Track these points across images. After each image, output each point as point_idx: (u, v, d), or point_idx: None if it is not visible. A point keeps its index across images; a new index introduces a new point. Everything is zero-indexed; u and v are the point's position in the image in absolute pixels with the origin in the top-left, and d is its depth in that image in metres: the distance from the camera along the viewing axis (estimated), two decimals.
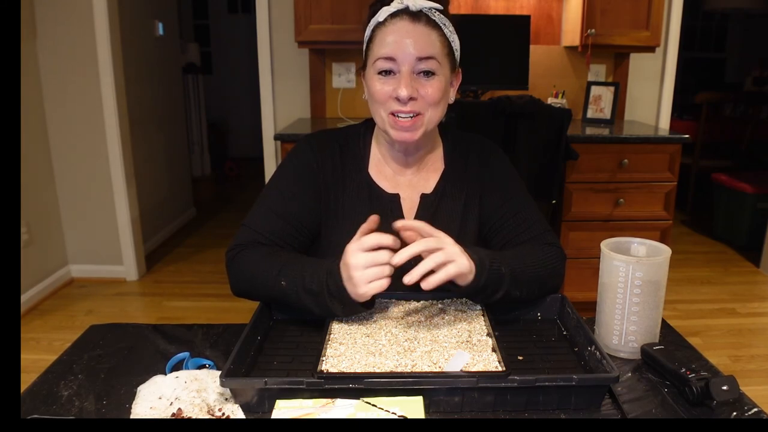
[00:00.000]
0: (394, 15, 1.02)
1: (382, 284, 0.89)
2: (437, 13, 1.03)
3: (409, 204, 1.13)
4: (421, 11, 1.02)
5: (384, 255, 0.88)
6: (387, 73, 1.03)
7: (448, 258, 0.88)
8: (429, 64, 1.01)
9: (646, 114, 3.18)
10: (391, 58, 1.01)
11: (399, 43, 1.00)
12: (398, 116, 1.03)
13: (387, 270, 0.89)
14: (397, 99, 1.01)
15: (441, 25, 1.03)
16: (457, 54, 1.08)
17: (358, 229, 0.93)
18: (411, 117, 1.03)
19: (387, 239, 0.89)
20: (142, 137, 3.48)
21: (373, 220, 0.93)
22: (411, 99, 1.01)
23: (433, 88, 1.02)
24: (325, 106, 3.06)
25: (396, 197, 1.13)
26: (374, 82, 1.04)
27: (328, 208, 1.12)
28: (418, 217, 1.13)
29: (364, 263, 0.88)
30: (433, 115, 1.05)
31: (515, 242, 1.10)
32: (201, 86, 5.13)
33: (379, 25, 1.03)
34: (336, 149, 1.14)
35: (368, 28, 1.06)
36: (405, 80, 1.00)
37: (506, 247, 1.11)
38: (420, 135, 1.05)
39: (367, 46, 1.07)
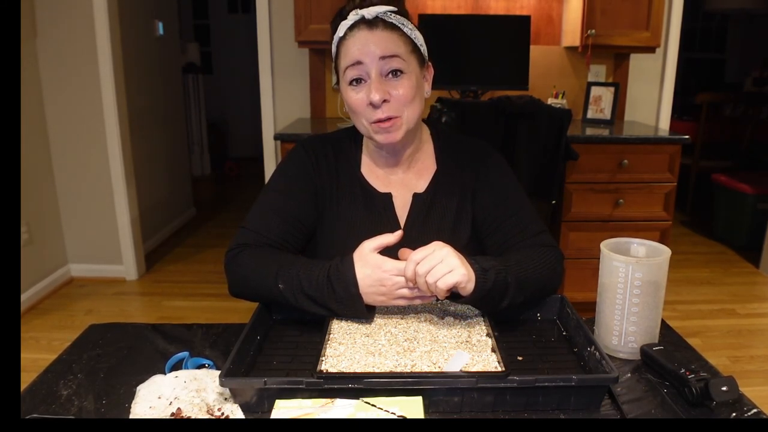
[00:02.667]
0: (352, 27, 1.05)
1: (406, 303, 0.96)
2: (392, 15, 1.06)
3: (402, 203, 1.15)
4: (376, 17, 1.05)
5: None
6: (358, 81, 1.05)
7: (446, 269, 0.89)
8: (394, 62, 1.03)
9: (646, 114, 3.18)
10: (357, 63, 1.03)
11: (360, 49, 1.03)
12: (378, 119, 1.05)
13: (415, 292, 0.94)
14: (371, 105, 1.03)
15: (399, 25, 1.06)
16: (423, 49, 1.11)
17: (375, 237, 0.96)
18: (389, 118, 1.05)
19: (407, 271, 0.91)
20: (142, 137, 3.47)
21: (398, 235, 0.97)
22: (384, 101, 1.03)
23: (404, 87, 1.04)
24: (325, 106, 3.06)
25: (388, 196, 1.14)
26: (348, 93, 1.06)
27: (324, 207, 1.14)
28: (411, 216, 1.14)
29: (399, 284, 0.93)
30: (410, 114, 1.07)
31: (511, 243, 1.10)
32: (201, 86, 5.14)
33: (341, 39, 1.06)
34: (330, 150, 1.17)
35: (333, 45, 1.09)
36: (375, 84, 1.03)
37: (502, 249, 1.11)
38: (402, 134, 1.07)
39: (336, 63, 1.09)
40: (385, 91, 1.03)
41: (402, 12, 1.08)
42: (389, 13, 1.06)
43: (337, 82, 1.12)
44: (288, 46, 3.01)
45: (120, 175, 3.12)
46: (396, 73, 1.04)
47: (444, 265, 0.89)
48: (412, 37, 1.08)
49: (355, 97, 1.05)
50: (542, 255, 1.06)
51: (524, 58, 2.80)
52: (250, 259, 1.04)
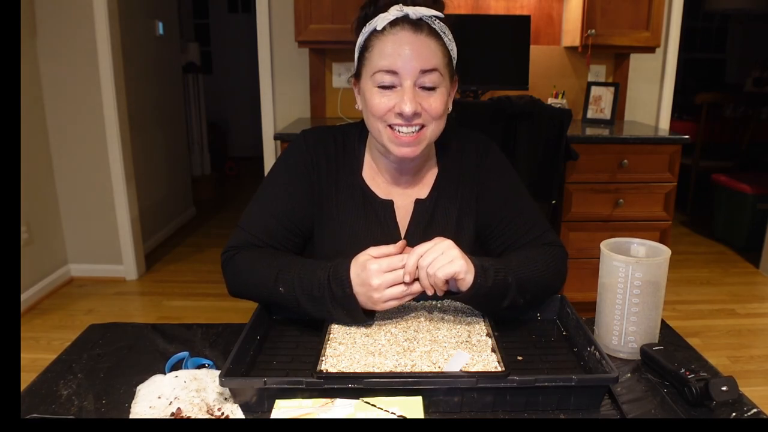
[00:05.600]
0: (393, 23, 0.97)
1: (398, 303, 0.93)
2: (437, 21, 0.99)
3: (404, 209, 1.12)
4: (421, 19, 0.98)
5: (401, 274, 0.92)
6: (387, 86, 0.98)
7: (446, 260, 0.90)
8: (432, 77, 0.98)
9: (646, 114, 3.18)
10: (392, 71, 0.97)
11: (401, 55, 0.96)
12: (399, 131, 0.99)
13: (405, 290, 0.92)
14: (400, 114, 0.97)
15: (441, 33, 1.00)
16: (455, 62, 1.05)
17: (380, 246, 0.95)
18: (414, 131, 0.99)
19: (408, 263, 0.91)
20: (142, 137, 3.47)
21: (400, 245, 0.95)
22: (415, 114, 0.98)
23: (436, 101, 0.99)
24: (325, 106, 3.06)
25: (389, 203, 1.11)
26: (373, 95, 0.99)
27: (322, 207, 1.11)
28: (413, 222, 1.11)
29: (386, 283, 0.91)
30: (435, 128, 1.02)
31: (516, 245, 1.09)
32: (201, 86, 5.13)
33: (377, 33, 0.98)
34: (331, 146, 1.12)
35: (362, 34, 1.01)
36: (409, 95, 0.96)
37: (507, 250, 1.10)
38: (421, 150, 1.02)
39: (363, 55, 1.01)
40: (417, 103, 0.97)
41: (445, 20, 1.01)
42: (434, 19, 0.99)
43: (354, 74, 1.06)
44: (288, 46, 3.01)
45: (120, 175, 3.12)
46: (430, 87, 0.99)
47: (444, 257, 0.89)
48: (450, 49, 1.01)
49: (381, 101, 0.98)
50: (546, 255, 1.05)
51: (524, 58, 2.80)
52: (247, 261, 1.03)
